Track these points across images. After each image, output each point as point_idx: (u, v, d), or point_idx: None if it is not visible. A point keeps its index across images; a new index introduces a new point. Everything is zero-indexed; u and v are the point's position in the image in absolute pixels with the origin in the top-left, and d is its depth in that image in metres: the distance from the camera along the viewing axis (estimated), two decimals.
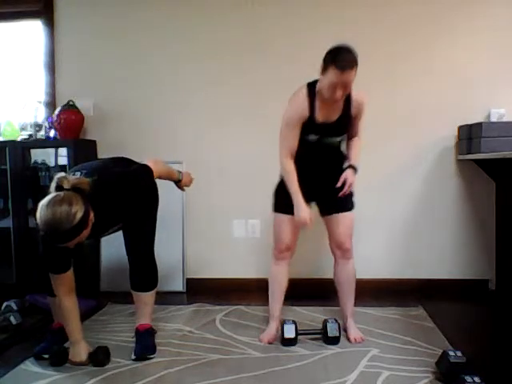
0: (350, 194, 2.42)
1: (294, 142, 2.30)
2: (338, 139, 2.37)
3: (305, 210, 2.29)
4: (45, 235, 1.92)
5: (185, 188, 2.61)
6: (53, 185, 1.93)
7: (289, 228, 2.41)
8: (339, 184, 2.32)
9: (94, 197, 1.97)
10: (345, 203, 2.40)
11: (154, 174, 2.28)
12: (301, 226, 2.34)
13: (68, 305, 2.15)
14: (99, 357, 2.15)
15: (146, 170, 2.27)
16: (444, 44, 3.26)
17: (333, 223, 2.42)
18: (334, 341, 2.33)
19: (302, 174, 2.33)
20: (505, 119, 3.16)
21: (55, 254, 2.09)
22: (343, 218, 2.40)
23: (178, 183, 2.55)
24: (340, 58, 2.10)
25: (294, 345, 2.34)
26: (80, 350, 2.15)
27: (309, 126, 2.28)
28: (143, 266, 2.32)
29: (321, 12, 3.30)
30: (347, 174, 2.34)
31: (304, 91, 2.29)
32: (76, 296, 2.19)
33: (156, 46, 3.44)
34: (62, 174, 1.98)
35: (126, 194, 2.15)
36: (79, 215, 1.86)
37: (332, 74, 2.11)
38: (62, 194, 1.88)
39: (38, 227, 1.88)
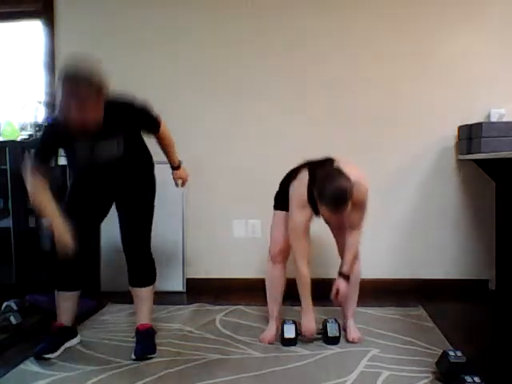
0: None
1: (306, 221, 2.28)
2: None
3: (311, 321, 2.33)
4: (67, 86, 1.93)
5: (179, 182, 2.55)
6: None
7: (286, 226, 2.39)
8: (333, 296, 2.31)
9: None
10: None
11: (162, 125, 2.30)
12: (306, 335, 2.34)
13: (39, 185, 2.12)
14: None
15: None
16: (444, 44, 3.26)
17: (338, 225, 2.39)
18: (334, 341, 2.33)
19: None
20: (505, 119, 3.16)
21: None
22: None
23: (175, 170, 2.52)
24: (329, 201, 2.07)
25: (294, 345, 2.34)
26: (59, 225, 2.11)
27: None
28: (140, 260, 2.33)
29: (321, 11, 3.30)
30: (339, 285, 2.30)
31: (304, 188, 2.24)
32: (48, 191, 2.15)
33: (156, 45, 3.44)
34: None
35: (129, 114, 2.20)
36: (101, 77, 2.00)
37: (325, 211, 2.13)
38: None
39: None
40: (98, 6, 3.48)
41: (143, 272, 2.35)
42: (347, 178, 2.08)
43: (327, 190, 2.05)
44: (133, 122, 2.22)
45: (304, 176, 2.27)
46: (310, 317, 2.35)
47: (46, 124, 2.21)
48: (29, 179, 2.13)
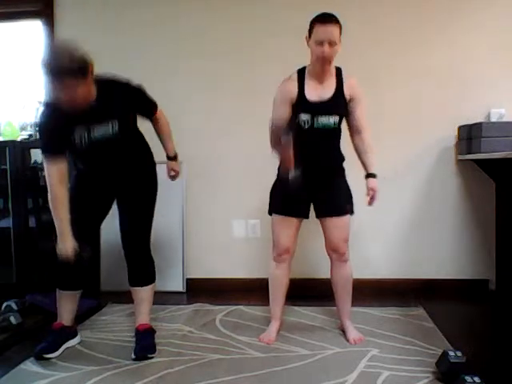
0: (348, 197, 2.40)
1: (282, 114, 2.26)
2: (332, 120, 2.29)
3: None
4: (48, 66, 1.91)
5: (173, 173, 2.53)
6: None
7: (287, 229, 2.39)
8: (369, 198, 2.35)
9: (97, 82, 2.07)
10: (341, 206, 2.38)
11: (158, 111, 2.35)
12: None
13: (59, 195, 2.14)
14: (83, 254, 2.15)
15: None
16: (444, 44, 3.26)
17: (328, 227, 2.39)
18: None
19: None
20: (505, 119, 3.16)
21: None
22: (338, 222, 2.38)
23: (170, 160, 2.50)
24: (321, 15, 2.22)
25: None
26: (68, 245, 2.12)
27: (300, 104, 2.26)
28: (140, 259, 2.33)
29: (319, 10, 3.30)
30: (373, 185, 2.36)
31: (293, 74, 2.35)
32: (66, 189, 2.18)
33: (156, 45, 3.44)
34: None
35: (125, 92, 2.21)
36: (83, 54, 1.95)
37: (316, 31, 2.19)
38: None
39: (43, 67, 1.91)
40: (98, 5, 3.47)
41: (143, 271, 2.36)
42: None
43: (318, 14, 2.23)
44: (128, 101, 2.20)
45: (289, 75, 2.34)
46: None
47: (41, 112, 2.19)
48: (49, 185, 2.13)
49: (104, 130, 2.15)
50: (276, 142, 2.16)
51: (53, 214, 2.16)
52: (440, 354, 2.02)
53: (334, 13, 2.32)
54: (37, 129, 2.53)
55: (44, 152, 2.15)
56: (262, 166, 3.32)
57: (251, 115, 3.37)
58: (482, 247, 3.30)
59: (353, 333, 2.42)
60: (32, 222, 3.25)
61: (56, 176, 2.13)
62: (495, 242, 3.23)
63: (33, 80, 3.61)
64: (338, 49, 2.23)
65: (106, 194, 2.36)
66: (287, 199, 2.35)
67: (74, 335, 2.40)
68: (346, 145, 2.46)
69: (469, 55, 3.25)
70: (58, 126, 2.12)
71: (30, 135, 3.39)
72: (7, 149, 3.18)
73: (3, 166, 3.18)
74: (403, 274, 3.33)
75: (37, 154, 3.34)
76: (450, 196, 3.31)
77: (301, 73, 2.33)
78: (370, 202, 2.38)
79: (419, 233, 3.34)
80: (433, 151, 3.30)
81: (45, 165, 2.14)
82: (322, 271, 2.98)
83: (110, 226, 2.48)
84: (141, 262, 2.35)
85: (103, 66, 3.64)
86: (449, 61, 3.26)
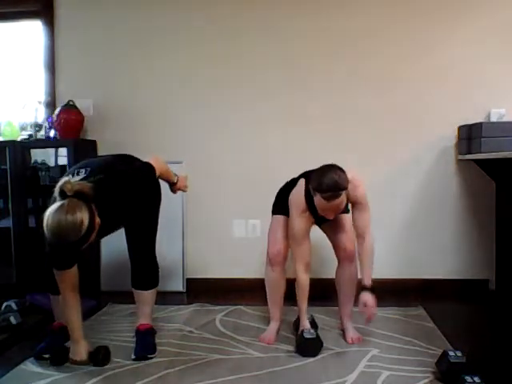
0: None
1: (306, 227, 2.29)
2: None
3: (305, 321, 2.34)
4: (52, 246, 1.94)
5: (177, 192, 2.57)
6: (56, 190, 1.92)
7: (283, 229, 2.41)
8: (360, 310, 2.27)
9: (99, 198, 1.96)
10: None
11: (156, 171, 2.28)
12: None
13: (70, 301, 2.14)
14: (99, 356, 2.15)
15: (149, 168, 2.27)
16: (444, 44, 3.26)
17: (332, 229, 2.42)
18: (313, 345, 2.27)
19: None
20: (505, 119, 3.16)
21: (61, 253, 2.08)
22: (341, 220, 2.40)
23: (173, 186, 2.53)
24: (325, 189, 2.07)
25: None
26: (81, 349, 2.14)
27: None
28: (145, 264, 2.32)
29: (319, 12, 3.30)
30: (366, 300, 2.25)
31: (302, 194, 2.26)
32: (79, 294, 2.18)
33: (156, 45, 3.44)
34: (65, 178, 1.98)
35: (131, 192, 2.16)
36: (85, 224, 1.85)
37: (320, 201, 2.12)
38: (66, 202, 1.86)
39: (45, 238, 1.87)
40: (98, 6, 3.47)
41: (147, 276, 2.34)
42: (340, 168, 2.13)
43: (322, 179, 2.08)
44: (135, 208, 2.21)
45: (301, 183, 2.29)
46: (304, 322, 2.35)
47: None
48: (61, 290, 2.12)
49: (115, 230, 2.29)
50: None
51: (63, 316, 2.19)
52: (440, 354, 2.02)
53: (335, 14, 2.30)
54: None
55: (53, 266, 2.13)
56: (263, 166, 3.34)
57: (252, 115, 3.37)
58: (481, 247, 3.30)
59: (352, 332, 2.42)
60: (32, 222, 3.25)
61: (68, 282, 2.12)
62: (495, 242, 3.22)
63: (33, 80, 3.61)
64: (342, 206, 2.18)
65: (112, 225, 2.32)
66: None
67: None
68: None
69: (469, 55, 3.25)
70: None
71: (30, 135, 3.39)
72: (7, 149, 3.17)
73: (3, 166, 3.18)
74: (403, 274, 3.33)
75: (37, 154, 3.34)
76: (449, 196, 3.31)
77: (308, 194, 2.22)
78: (367, 321, 2.32)
79: (419, 233, 3.34)
80: (433, 151, 3.30)
81: (55, 272, 2.13)
82: (323, 272, 2.99)
83: None
84: (146, 269, 2.33)
85: (103, 66, 3.67)
86: (449, 60, 3.26)
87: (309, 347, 2.23)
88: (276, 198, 2.52)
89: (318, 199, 2.12)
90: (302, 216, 2.27)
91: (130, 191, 2.15)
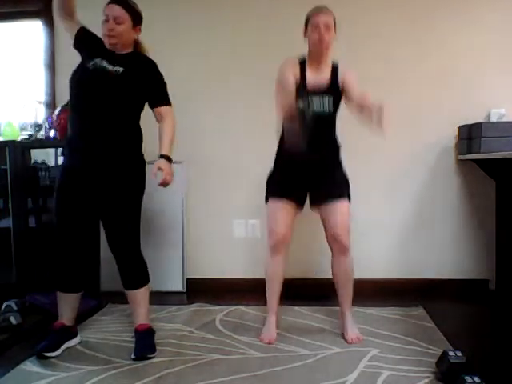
0: (345, 184, 2.39)
1: (291, 82, 2.26)
2: (327, 103, 2.31)
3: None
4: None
5: (158, 174, 2.19)
6: None
7: (283, 216, 2.37)
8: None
9: None
10: (339, 190, 2.35)
11: (168, 108, 2.43)
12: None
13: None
14: None
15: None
16: (444, 44, 3.26)
17: (327, 213, 2.35)
18: None
19: (292, 161, 2.30)
20: (505, 119, 3.16)
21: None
22: (337, 206, 2.33)
23: (161, 158, 2.24)
24: (314, 8, 2.34)
25: None
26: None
27: (299, 90, 2.22)
28: (130, 262, 2.31)
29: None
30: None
31: (294, 58, 2.39)
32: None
33: (155, 44, 3.41)
34: None
35: (152, 71, 2.44)
36: (137, 6, 2.31)
37: (312, 21, 2.29)
38: None
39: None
40: (98, 5, 3.45)
41: (135, 274, 2.33)
42: None
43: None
44: (149, 77, 2.37)
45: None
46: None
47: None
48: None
49: (110, 78, 2.26)
50: (288, 113, 2.12)
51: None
52: (440, 354, 2.02)
53: (335, 13, 2.33)
54: None
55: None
56: (263, 166, 3.33)
57: (252, 115, 3.37)
58: (482, 247, 3.30)
59: (352, 332, 2.41)
60: (32, 222, 3.24)
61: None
62: (495, 242, 3.23)
63: (33, 80, 3.61)
64: (333, 35, 2.31)
65: (92, 193, 2.27)
66: (285, 183, 2.36)
67: (75, 335, 2.40)
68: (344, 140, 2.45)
69: (469, 55, 3.25)
70: (92, 37, 2.41)
71: (30, 135, 3.38)
72: (7, 149, 3.17)
73: (3, 166, 3.17)
74: (403, 274, 3.33)
75: (37, 154, 3.34)
76: (450, 196, 3.31)
77: (301, 59, 2.39)
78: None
79: (419, 233, 3.34)
80: (433, 151, 3.30)
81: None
82: (322, 271, 2.99)
83: None
84: (132, 267, 2.32)
85: None
86: (449, 60, 3.26)
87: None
88: (267, 183, 2.47)
89: (310, 23, 2.30)
90: (292, 73, 2.29)
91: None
